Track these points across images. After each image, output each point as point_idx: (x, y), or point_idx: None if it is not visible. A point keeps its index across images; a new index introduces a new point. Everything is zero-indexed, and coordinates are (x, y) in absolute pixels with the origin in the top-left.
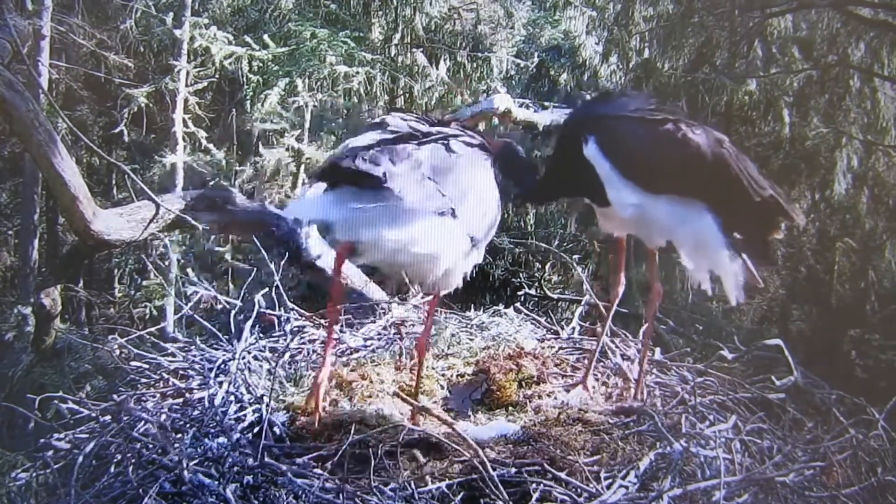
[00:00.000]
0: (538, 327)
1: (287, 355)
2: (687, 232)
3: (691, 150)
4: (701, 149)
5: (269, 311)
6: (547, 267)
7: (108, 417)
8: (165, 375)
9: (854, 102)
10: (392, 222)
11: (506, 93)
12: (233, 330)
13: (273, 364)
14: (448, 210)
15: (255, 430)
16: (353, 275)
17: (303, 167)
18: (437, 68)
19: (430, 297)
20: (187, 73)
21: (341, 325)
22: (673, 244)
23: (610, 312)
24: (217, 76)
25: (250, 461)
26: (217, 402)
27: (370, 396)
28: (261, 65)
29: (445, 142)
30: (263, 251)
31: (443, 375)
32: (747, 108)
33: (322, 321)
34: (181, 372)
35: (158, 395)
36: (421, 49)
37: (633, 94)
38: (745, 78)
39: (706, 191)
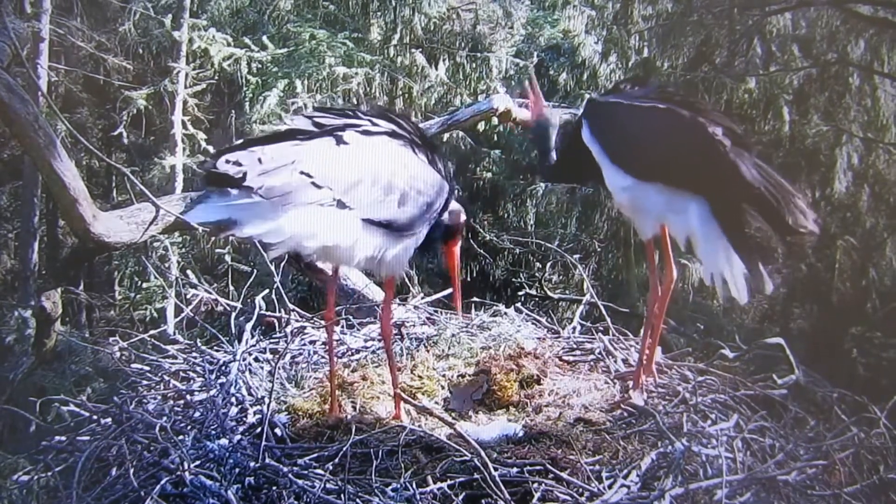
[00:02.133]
0: (539, 327)
1: (288, 356)
2: (676, 221)
3: (675, 138)
4: (685, 138)
5: (269, 314)
6: (547, 267)
7: (108, 419)
8: (166, 377)
9: (854, 100)
10: (263, 219)
11: (505, 92)
12: (233, 332)
13: (274, 365)
14: (331, 200)
15: (257, 431)
16: (353, 276)
17: None
18: (436, 69)
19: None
20: (186, 75)
21: (342, 327)
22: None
23: (665, 302)
24: (216, 78)
25: (251, 462)
26: (218, 403)
27: (371, 398)
28: (260, 66)
29: (337, 134)
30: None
31: (443, 376)
32: (747, 106)
33: (323, 322)
34: (182, 374)
35: (159, 397)
36: (420, 49)
37: (647, 84)
38: (745, 76)
39: (692, 181)
